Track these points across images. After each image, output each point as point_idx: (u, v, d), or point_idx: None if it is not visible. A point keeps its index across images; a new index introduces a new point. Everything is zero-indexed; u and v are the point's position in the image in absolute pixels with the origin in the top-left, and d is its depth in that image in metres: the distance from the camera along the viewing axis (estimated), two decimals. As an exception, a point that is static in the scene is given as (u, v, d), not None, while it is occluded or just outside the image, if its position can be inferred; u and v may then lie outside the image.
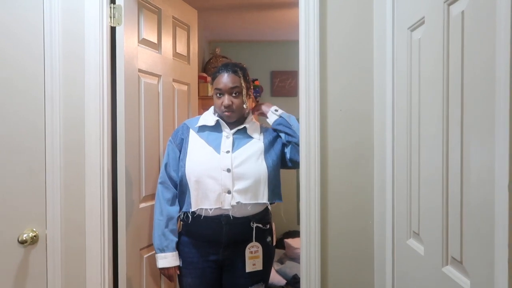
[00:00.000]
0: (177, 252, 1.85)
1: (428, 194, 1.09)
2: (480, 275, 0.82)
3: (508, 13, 0.70)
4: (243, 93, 1.85)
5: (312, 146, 1.62)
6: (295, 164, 1.89)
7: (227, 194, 1.78)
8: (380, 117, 1.54)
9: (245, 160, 1.81)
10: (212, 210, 1.78)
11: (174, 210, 1.87)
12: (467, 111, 0.87)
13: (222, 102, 1.83)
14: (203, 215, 1.80)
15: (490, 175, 0.76)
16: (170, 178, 1.88)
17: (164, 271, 1.85)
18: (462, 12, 0.90)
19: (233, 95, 1.84)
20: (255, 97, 4.23)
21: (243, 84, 1.85)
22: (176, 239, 1.86)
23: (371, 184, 1.63)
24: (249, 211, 1.81)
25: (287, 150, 1.91)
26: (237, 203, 1.77)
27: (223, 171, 1.78)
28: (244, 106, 1.86)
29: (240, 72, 1.87)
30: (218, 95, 1.86)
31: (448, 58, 0.97)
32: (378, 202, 1.58)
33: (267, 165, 1.83)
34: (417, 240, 1.19)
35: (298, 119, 1.74)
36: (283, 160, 1.93)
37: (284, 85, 4.65)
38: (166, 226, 1.84)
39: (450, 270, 0.96)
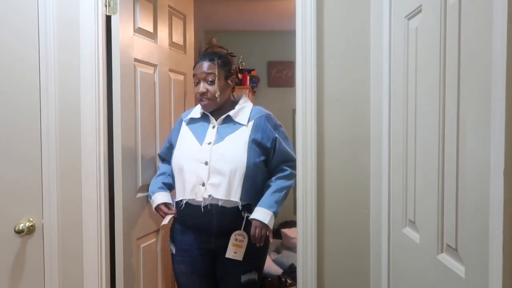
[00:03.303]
0: (161, 192, 1.94)
1: (424, 182, 1.09)
2: (475, 262, 0.82)
3: (505, 1, 0.70)
4: (216, 82, 1.84)
5: (309, 136, 1.62)
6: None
7: (201, 186, 1.78)
8: (377, 106, 1.55)
9: (224, 154, 1.79)
10: (185, 201, 1.80)
11: (164, 165, 2.05)
12: (463, 99, 0.87)
13: (197, 89, 1.86)
14: (185, 204, 1.82)
15: (485, 163, 0.76)
16: (159, 155, 2.10)
17: (158, 210, 1.93)
18: (459, 0, 0.90)
19: (208, 82, 1.85)
20: (252, 88, 4.22)
21: (217, 72, 1.85)
22: (160, 183, 1.96)
23: (367, 173, 1.63)
24: (225, 206, 1.79)
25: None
26: (209, 196, 1.77)
27: (201, 164, 1.79)
28: (216, 95, 1.84)
29: (218, 60, 1.88)
30: (195, 83, 1.89)
31: (445, 47, 0.97)
32: (374, 191, 1.59)
33: (247, 163, 1.78)
34: (413, 229, 1.19)
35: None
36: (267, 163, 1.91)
37: (281, 75, 4.64)
38: (157, 176, 2.02)
39: (445, 258, 0.97)
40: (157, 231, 2.15)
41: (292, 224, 4.25)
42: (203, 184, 1.78)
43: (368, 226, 1.64)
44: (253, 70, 4.32)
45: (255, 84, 4.36)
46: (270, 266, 3.37)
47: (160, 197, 1.92)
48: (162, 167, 2.05)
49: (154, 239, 2.13)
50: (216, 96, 1.84)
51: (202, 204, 1.78)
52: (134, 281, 1.94)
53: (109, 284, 1.76)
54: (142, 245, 2.00)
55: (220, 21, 4.23)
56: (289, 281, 3.24)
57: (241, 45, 4.38)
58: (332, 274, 1.66)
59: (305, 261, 1.65)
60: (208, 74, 1.85)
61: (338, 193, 1.65)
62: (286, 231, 3.98)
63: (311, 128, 1.61)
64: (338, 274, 1.67)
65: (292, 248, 3.77)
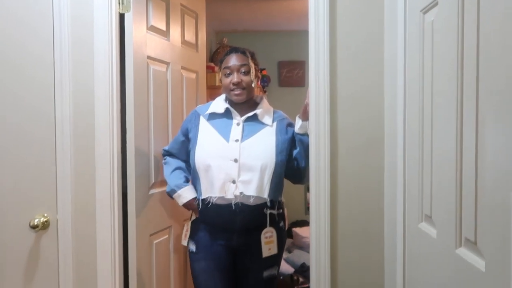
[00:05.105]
0: (188, 186, 1.92)
1: (441, 175, 1.08)
2: (495, 255, 0.81)
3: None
4: (252, 72, 1.86)
5: (322, 133, 1.61)
6: (295, 168, 1.91)
7: (231, 184, 1.78)
8: (392, 102, 1.53)
9: (254, 151, 1.80)
10: (216, 198, 1.79)
11: (177, 161, 1.99)
12: (482, 93, 0.86)
13: (231, 80, 1.84)
14: (213, 202, 1.81)
15: (507, 154, 0.75)
16: (168, 151, 2.03)
17: (188, 205, 1.91)
18: (478, -9, 0.88)
19: (242, 73, 1.85)
20: (263, 87, 4.22)
21: (251, 63, 1.86)
22: (183, 176, 1.94)
23: (382, 168, 1.62)
24: (251, 203, 1.80)
25: (295, 152, 1.91)
26: (240, 193, 1.77)
27: (230, 161, 1.78)
28: (253, 85, 1.86)
29: (248, 53, 1.90)
30: (226, 74, 1.87)
31: (463, 41, 0.96)
32: (389, 186, 1.58)
33: (276, 160, 1.81)
34: (429, 223, 1.18)
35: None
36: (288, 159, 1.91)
37: (292, 75, 4.62)
38: (173, 170, 1.95)
39: (464, 252, 0.95)
40: (170, 227, 2.16)
41: (303, 223, 4.24)
42: (234, 182, 1.78)
43: (382, 221, 1.63)
44: (264, 69, 4.32)
45: (266, 84, 4.35)
46: (282, 265, 3.35)
47: (189, 192, 1.90)
48: (173, 162, 1.99)
49: (167, 236, 2.14)
50: (253, 86, 1.87)
51: (233, 202, 1.78)
52: (147, 277, 1.94)
53: (123, 280, 1.76)
54: (155, 241, 2.01)
55: (230, 21, 4.23)
56: (301, 279, 3.23)
57: (251, 45, 4.33)
58: (346, 272, 1.65)
59: (318, 258, 1.64)
60: (243, 65, 1.86)
61: (351, 190, 1.64)
62: (297, 230, 3.97)
63: (324, 125, 1.61)
64: (352, 272, 1.66)
65: (303, 247, 3.76)
